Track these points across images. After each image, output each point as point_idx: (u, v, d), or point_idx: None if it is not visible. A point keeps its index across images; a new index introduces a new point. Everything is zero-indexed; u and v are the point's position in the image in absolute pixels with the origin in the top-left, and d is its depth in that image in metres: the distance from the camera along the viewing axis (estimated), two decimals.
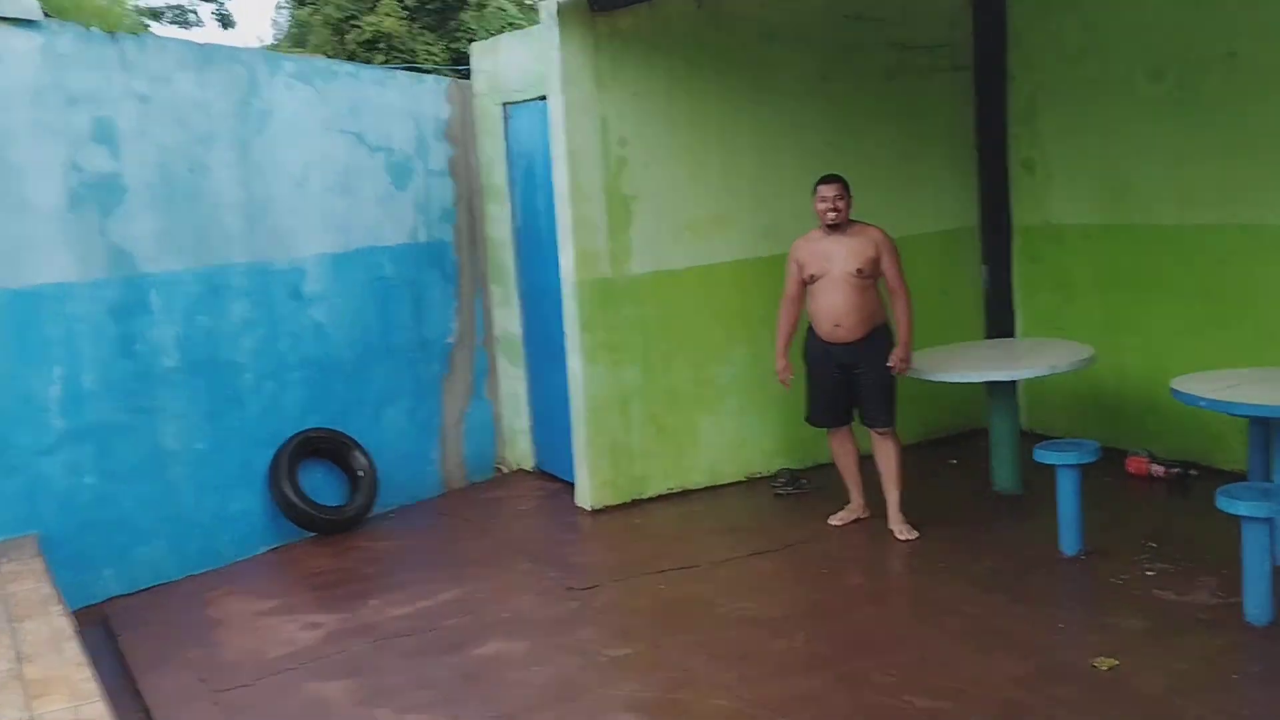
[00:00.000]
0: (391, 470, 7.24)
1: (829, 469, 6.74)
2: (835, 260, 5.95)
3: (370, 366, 7.21)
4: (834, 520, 6.30)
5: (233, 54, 6.80)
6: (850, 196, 5.99)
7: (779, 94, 7.14)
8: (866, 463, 6.28)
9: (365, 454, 7.05)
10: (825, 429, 6.29)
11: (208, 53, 6.52)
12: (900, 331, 6.02)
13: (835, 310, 5.96)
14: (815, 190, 6.01)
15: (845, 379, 6.06)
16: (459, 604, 5.65)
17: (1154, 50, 6.76)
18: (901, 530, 6.03)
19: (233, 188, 6.54)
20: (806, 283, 6.07)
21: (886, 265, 5.98)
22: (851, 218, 6.02)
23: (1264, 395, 5.21)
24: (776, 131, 7.13)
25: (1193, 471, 6.61)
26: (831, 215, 5.94)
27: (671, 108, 6.85)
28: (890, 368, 5.99)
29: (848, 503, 6.36)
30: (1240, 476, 6.26)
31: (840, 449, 6.27)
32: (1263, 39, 6.19)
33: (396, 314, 7.34)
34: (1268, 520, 4.66)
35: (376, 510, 7.12)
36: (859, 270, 5.91)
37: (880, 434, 6.07)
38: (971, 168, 7.85)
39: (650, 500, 6.98)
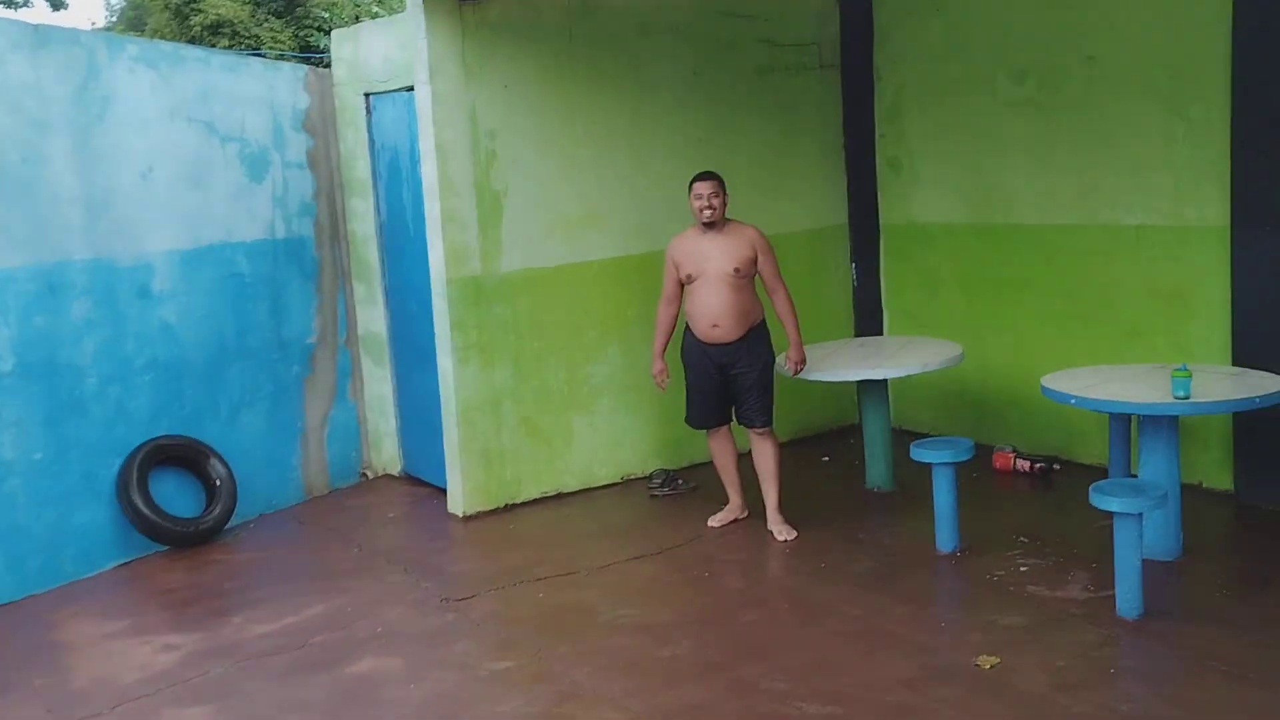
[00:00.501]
0: (250, 477, 6.89)
1: (705, 468, 6.69)
2: (712, 259, 5.89)
3: (225, 369, 6.85)
4: (713, 521, 6.25)
5: (70, 35, 6.36)
6: (726, 194, 5.93)
7: (652, 88, 7.05)
8: (744, 462, 6.24)
9: (221, 461, 6.69)
10: (704, 430, 6.22)
11: (42, 34, 6.08)
12: (788, 331, 6.01)
13: (712, 310, 5.89)
14: (691, 187, 5.93)
15: (723, 379, 6.01)
16: (328, 619, 5.39)
17: (1016, 52, 6.89)
18: (780, 531, 6.01)
19: (71, 179, 6.12)
20: (684, 282, 5.99)
21: (763, 264, 5.94)
22: (727, 216, 5.96)
23: (1127, 393, 5.34)
24: (650, 126, 7.04)
25: (1056, 466, 6.77)
26: (707, 213, 5.87)
27: (543, 100, 6.69)
28: (785, 370, 6.01)
29: (725, 503, 6.31)
30: (1100, 469, 6.44)
31: (719, 449, 6.21)
32: (1120, 44, 6.36)
33: (253, 313, 6.99)
34: (1138, 516, 4.76)
35: (235, 520, 6.76)
36: (736, 270, 5.86)
37: (759, 434, 6.03)
38: (841, 166, 7.90)
39: (524, 505, 6.81)
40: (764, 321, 6.05)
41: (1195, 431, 6.23)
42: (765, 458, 6.05)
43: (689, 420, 6.23)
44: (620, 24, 6.89)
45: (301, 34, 19.89)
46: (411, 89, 6.58)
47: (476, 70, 6.45)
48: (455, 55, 6.38)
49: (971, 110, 7.18)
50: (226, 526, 6.68)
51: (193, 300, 6.69)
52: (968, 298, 7.39)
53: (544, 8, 6.62)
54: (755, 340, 5.98)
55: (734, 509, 6.28)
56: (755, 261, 5.91)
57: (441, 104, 6.37)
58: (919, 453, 5.70)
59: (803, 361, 6.07)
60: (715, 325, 5.90)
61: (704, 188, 5.87)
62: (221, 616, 5.52)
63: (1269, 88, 5.68)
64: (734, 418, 6.16)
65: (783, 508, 6.08)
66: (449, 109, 6.40)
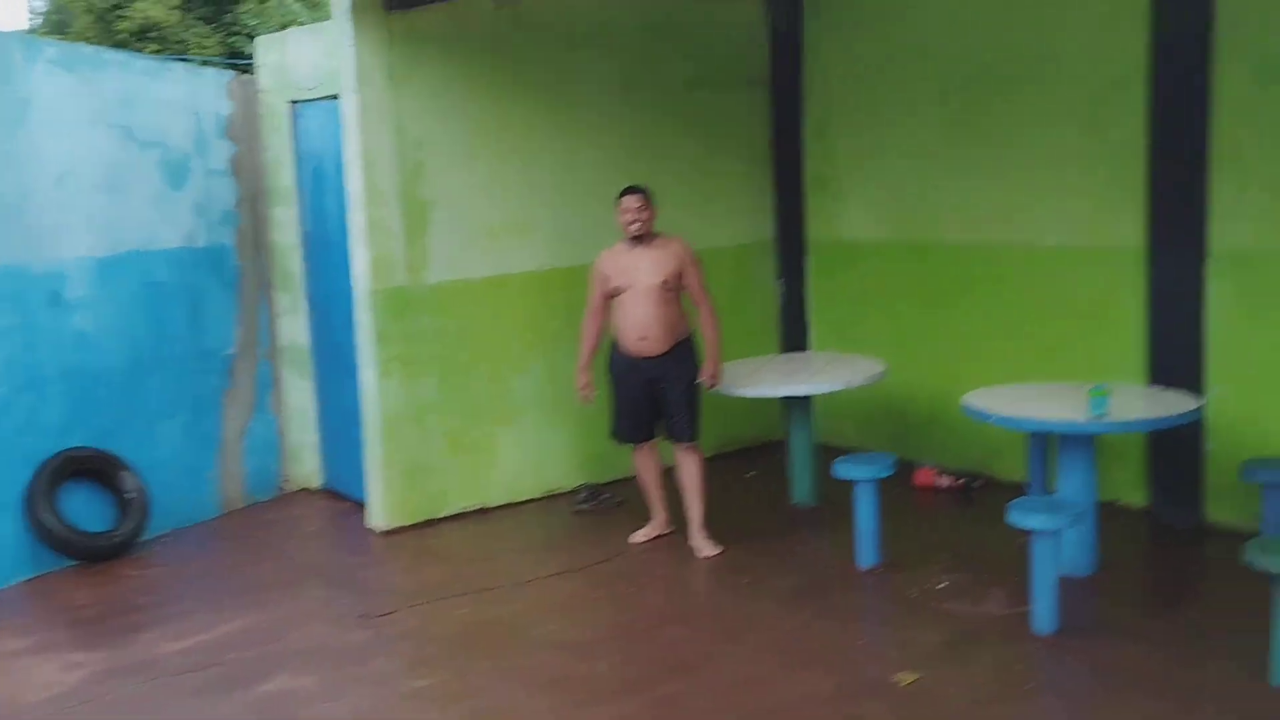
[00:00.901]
0: (165, 491, 6.73)
1: (630, 483, 6.66)
2: (640, 273, 5.88)
3: (141, 379, 6.69)
4: (636, 537, 6.22)
5: None
6: (653, 208, 5.93)
7: (580, 101, 7.03)
8: (669, 477, 6.23)
9: (135, 474, 6.52)
10: (630, 444, 6.20)
11: None
12: (708, 345, 6.01)
13: (640, 323, 5.88)
14: (618, 201, 5.93)
15: (651, 393, 6.00)
16: (243, 635, 5.27)
17: (941, 73, 6.98)
18: (704, 547, 6.00)
19: None
20: (611, 296, 5.98)
21: (690, 278, 5.95)
22: (656, 229, 5.97)
23: (1047, 410, 5.42)
24: (577, 139, 7.02)
25: (977, 482, 6.84)
26: (635, 227, 5.87)
27: (470, 111, 6.64)
28: (701, 383, 5.99)
29: (650, 518, 6.28)
30: (1018, 486, 6.51)
31: (644, 464, 6.19)
32: (1042, 67, 6.46)
33: (171, 322, 6.84)
34: (1056, 533, 4.82)
35: (149, 534, 6.60)
36: (664, 282, 5.86)
37: (684, 449, 6.03)
38: (768, 182, 7.94)
39: (447, 519, 6.72)
40: (691, 336, 6.05)
41: (1112, 449, 6.33)
42: (690, 473, 6.04)
43: (615, 434, 6.21)
44: (548, 36, 6.87)
45: (230, 40, 19.61)
46: (337, 97, 6.50)
47: (403, 79, 6.39)
48: (382, 64, 6.32)
49: (898, 129, 7.26)
50: (140, 540, 6.52)
51: (109, 308, 6.53)
52: (892, 315, 7.46)
53: (471, 18, 6.58)
54: (683, 354, 5.98)
55: (658, 524, 6.26)
56: (683, 275, 5.92)
57: (368, 113, 6.30)
58: (841, 469, 5.73)
59: (717, 376, 6.06)
60: (643, 338, 5.89)
61: (631, 201, 5.87)
62: (133, 633, 5.38)
63: (1185, 114, 5.81)
64: (660, 432, 6.14)
65: (707, 523, 6.07)
66: (375, 118, 6.33)
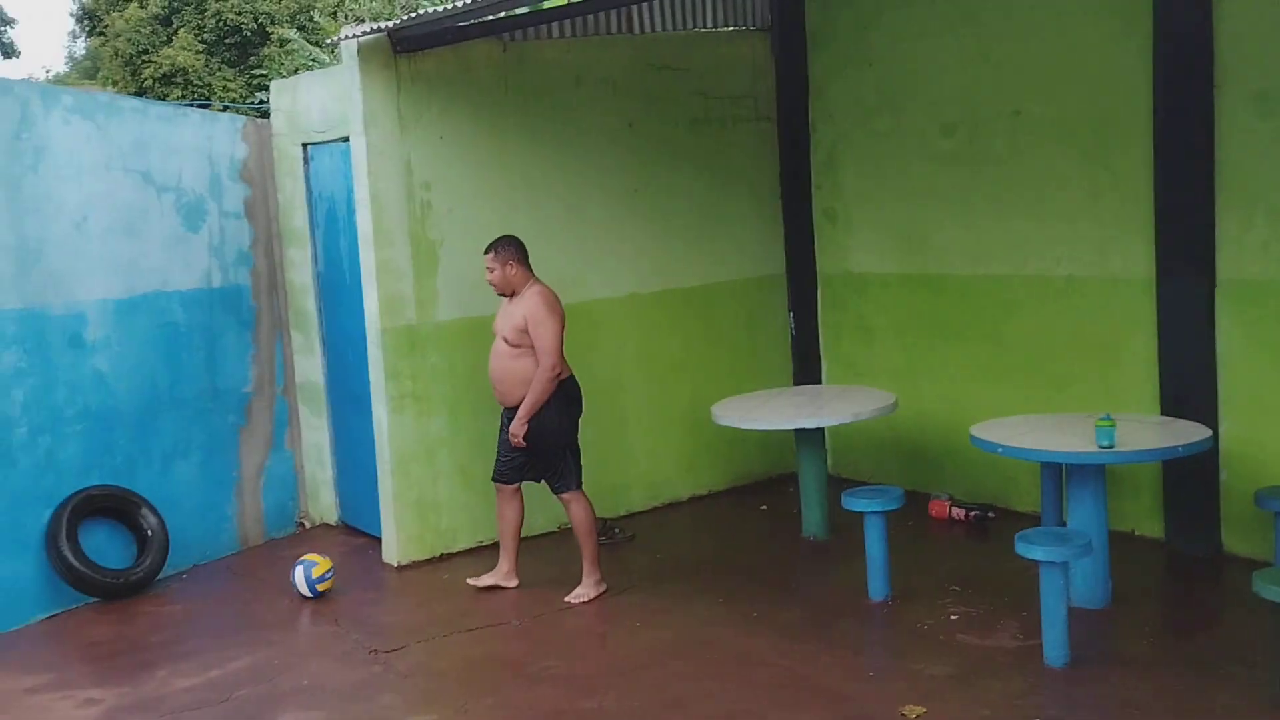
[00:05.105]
0: (183, 528, 6.80)
1: (639, 518, 6.68)
2: (499, 324, 5.96)
3: (158, 418, 6.79)
4: (471, 581, 6.12)
5: (3, 86, 6.35)
6: (515, 260, 5.88)
7: (586, 140, 7.10)
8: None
9: (154, 512, 6.60)
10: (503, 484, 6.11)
11: None
12: (524, 401, 5.78)
13: (492, 373, 5.94)
14: None
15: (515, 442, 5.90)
16: (253, 672, 5.31)
17: (945, 107, 7.01)
18: (577, 593, 5.91)
19: (2, 229, 6.07)
20: None
21: (532, 332, 5.74)
22: (534, 276, 5.96)
23: (1055, 441, 5.40)
24: (583, 177, 7.09)
25: (990, 514, 6.80)
26: (492, 285, 5.93)
27: (477, 151, 6.72)
28: (510, 437, 5.87)
29: (507, 565, 6.15)
30: (1034, 518, 6.48)
31: (502, 508, 6.11)
32: (1045, 98, 6.49)
33: (188, 362, 6.94)
34: (1064, 564, 4.80)
35: (167, 571, 6.67)
36: (505, 339, 5.85)
37: (563, 499, 5.98)
38: (777, 216, 7.98)
39: (459, 554, 6.75)
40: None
41: (1126, 480, 6.29)
42: (575, 520, 5.96)
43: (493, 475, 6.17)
44: (553, 76, 6.95)
45: (255, 83, 19.92)
46: (348, 140, 6.60)
47: (411, 121, 6.48)
48: (390, 107, 6.42)
49: (904, 162, 7.29)
50: (158, 578, 6.59)
51: (126, 349, 6.64)
52: (903, 347, 7.46)
53: (477, 60, 6.68)
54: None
55: (499, 574, 6.14)
56: (527, 330, 5.78)
57: (377, 155, 6.39)
58: (850, 501, 5.72)
59: (517, 434, 5.82)
60: (495, 388, 5.94)
61: (485, 260, 5.92)
62: (147, 670, 5.43)
63: (1188, 143, 5.80)
64: (528, 478, 6.06)
65: (599, 566, 5.97)
66: (384, 160, 6.42)
